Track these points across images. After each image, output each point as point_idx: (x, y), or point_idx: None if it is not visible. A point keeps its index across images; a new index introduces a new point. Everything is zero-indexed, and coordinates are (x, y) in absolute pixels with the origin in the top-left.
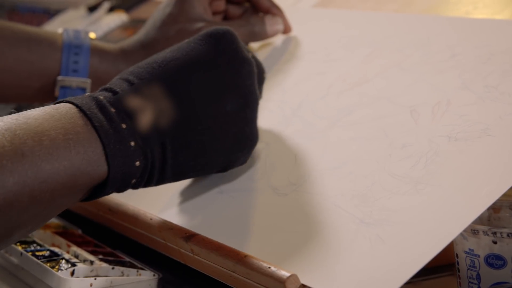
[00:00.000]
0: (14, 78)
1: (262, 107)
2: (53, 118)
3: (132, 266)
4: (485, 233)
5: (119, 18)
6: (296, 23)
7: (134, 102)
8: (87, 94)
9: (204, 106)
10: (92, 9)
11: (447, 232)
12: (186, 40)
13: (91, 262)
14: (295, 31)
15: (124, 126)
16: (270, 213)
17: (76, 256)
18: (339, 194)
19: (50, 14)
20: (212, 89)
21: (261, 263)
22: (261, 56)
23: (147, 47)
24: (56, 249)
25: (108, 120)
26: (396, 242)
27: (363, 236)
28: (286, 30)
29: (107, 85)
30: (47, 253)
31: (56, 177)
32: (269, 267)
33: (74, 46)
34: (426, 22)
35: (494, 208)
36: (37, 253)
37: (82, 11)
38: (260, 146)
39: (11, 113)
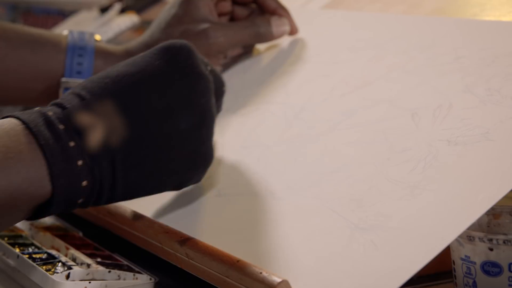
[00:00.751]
0: (19, 80)
1: (265, 110)
2: None
3: (129, 269)
4: (481, 239)
5: (130, 19)
6: (303, 24)
7: (84, 118)
8: (36, 108)
9: (157, 124)
10: (104, 10)
11: (441, 239)
12: (142, 54)
13: (88, 265)
14: (302, 33)
15: (72, 144)
16: (266, 217)
17: (74, 259)
18: (335, 199)
19: (64, 15)
20: (166, 106)
21: (253, 268)
22: (266, 57)
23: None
24: (53, 252)
25: (55, 138)
26: (390, 248)
27: (357, 242)
28: (293, 31)
29: (58, 100)
30: (44, 256)
31: None
32: (261, 272)
33: (78, 48)
34: (432, 24)
35: (494, 214)
36: (34, 256)
37: (95, 12)
38: (260, 149)
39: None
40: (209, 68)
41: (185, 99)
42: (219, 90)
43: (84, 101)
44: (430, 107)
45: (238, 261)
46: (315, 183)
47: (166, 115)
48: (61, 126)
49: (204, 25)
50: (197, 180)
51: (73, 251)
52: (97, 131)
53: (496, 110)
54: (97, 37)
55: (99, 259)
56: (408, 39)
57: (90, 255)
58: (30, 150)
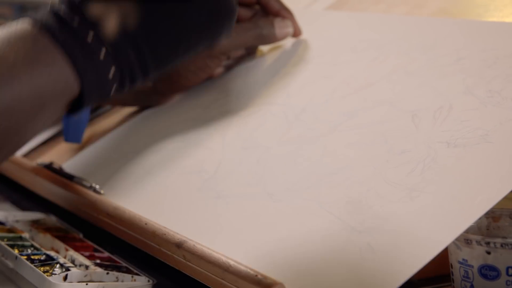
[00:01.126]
0: None
1: (266, 111)
2: (10, 41)
3: (127, 271)
4: (478, 243)
5: None
6: (306, 26)
7: (97, 9)
8: (47, 6)
9: None
10: None
11: (437, 242)
12: None
13: (86, 267)
14: (305, 34)
15: (90, 36)
16: (264, 220)
17: (73, 261)
18: (333, 201)
19: None
20: None
21: (249, 271)
22: (269, 58)
23: None
24: (52, 253)
25: (72, 34)
26: (386, 251)
27: (353, 245)
28: (296, 33)
29: None
30: (43, 257)
31: (19, 105)
32: (256, 275)
33: None
34: (435, 25)
35: (494, 217)
36: (32, 257)
37: None
38: (260, 151)
39: None
40: None
41: None
42: None
43: None
44: (431, 109)
45: (233, 264)
46: (313, 185)
47: None
48: (75, 22)
49: None
50: (228, 31)
51: (72, 253)
52: (111, 19)
53: (496, 111)
54: None
55: (98, 261)
56: (410, 40)
57: (89, 257)
58: (50, 50)
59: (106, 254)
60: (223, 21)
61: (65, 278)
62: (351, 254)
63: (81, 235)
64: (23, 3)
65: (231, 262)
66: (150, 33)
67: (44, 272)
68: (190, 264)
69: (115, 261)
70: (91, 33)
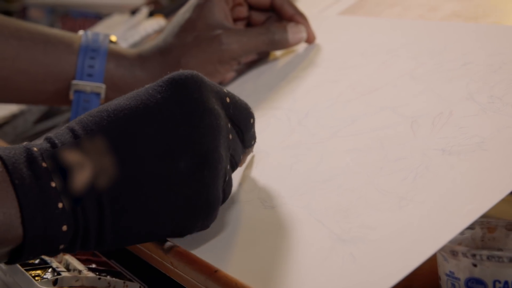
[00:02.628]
0: (29, 80)
1: (271, 115)
2: None
3: (120, 277)
4: (464, 255)
5: (157, 23)
6: (319, 30)
7: (71, 157)
8: (24, 143)
9: (152, 164)
10: (134, 13)
11: (418, 253)
12: (147, 86)
13: (80, 272)
14: (318, 38)
15: (53, 184)
16: (253, 227)
17: (67, 265)
18: (323, 208)
19: (101, 18)
20: (163, 145)
21: (229, 279)
22: (281, 62)
23: (164, 53)
24: (46, 258)
25: (34, 177)
26: (367, 261)
27: (336, 254)
28: (310, 38)
29: (52, 134)
30: (37, 261)
31: None
32: (236, 284)
33: (90, 50)
34: (446, 29)
35: (489, 227)
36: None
37: (126, 15)
38: (260, 156)
39: None
40: (227, 100)
41: (187, 137)
42: (245, 122)
43: (76, 138)
44: (431, 115)
45: (216, 271)
46: (306, 192)
47: (163, 154)
48: (44, 164)
49: (218, 31)
50: (203, 227)
51: (68, 257)
52: (85, 171)
53: (495, 118)
54: (113, 38)
55: (93, 265)
56: (420, 44)
57: (85, 261)
58: (2, 189)
59: (103, 259)
60: (200, 216)
61: (54, 283)
62: (333, 264)
63: None
64: (54, 6)
65: (214, 269)
66: (119, 201)
67: (35, 276)
68: (177, 270)
69: (111, 267)
70: (56, 181)
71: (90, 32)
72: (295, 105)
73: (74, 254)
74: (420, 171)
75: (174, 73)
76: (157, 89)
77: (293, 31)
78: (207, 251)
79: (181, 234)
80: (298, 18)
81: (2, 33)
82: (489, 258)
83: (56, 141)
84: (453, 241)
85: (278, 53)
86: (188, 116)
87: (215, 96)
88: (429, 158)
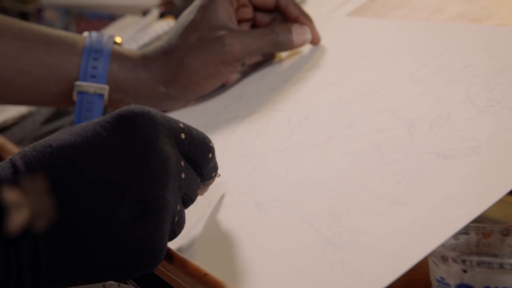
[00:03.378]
0: (32, 81)
1: (272, 117)
2: None
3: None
4: (454, 260)
5: (168, 24)
6: (325, 32)
7: (9, 196)
8: None
9: (93, 208)
10: (144, 15)
11: (407, 258)
12: (95, 120)
13: None
14: (323, 40)
15: None
16: (246, 230)
17: None
18: (316, 212)
19: (115, 19)
20: (106, 188)
21: (218, 283)
22: (285, 64)
23: (167, 54)
24: None
25: None
26: (356, 266)
27: (326, 259)
28: (315, 40)
29: None
30: None
31: None
32: (224, 287)
33: (94, 51)
34: (450, 31)
35: (484, 233)
36: None
37: (139, 17)
38: (257, 158)
39: None
40: (182, 136)
41: (131, 181)
42: (202, 157)
43: (16, 175)
44: (429, 118)
45: (205, 274)
46: (300, 195)
47: (105, 198)
48: None
49: (221, 32)
50: (145, 273)
51: None
52: (21, 212)
53: (492, 121)
54: (118, 39)
55: None
56: (423, 46)
57: None
58: None
59: None
60: (142, 265)
61: None
62: (322, 269)
63: None
64: (69, 7)
65: (204, 273)
66: (56, 245)
67: None
68: (169, 273)
69: None
70: None
71: (94, 33)
72: (296, 107)
73: None
74: (415, 174)
75: (124, 109)
76: (105, 125)
77: (298, 33)
78: (199, 254)
79: (121, 279)
80: (303, 19)
81: (4, 34)
82: (479, 264)
83: None
84: (447, 246)
85: (283, 54)
86: (133, 159)
87: (167, 135)
88: (424, 162)
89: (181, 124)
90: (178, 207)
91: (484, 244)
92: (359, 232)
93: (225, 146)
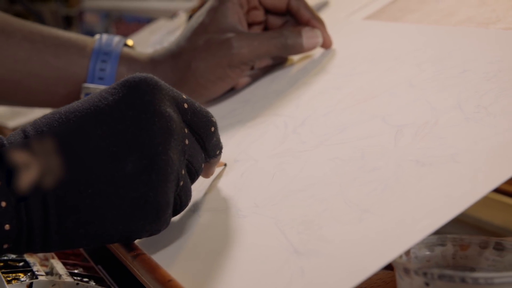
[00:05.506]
0: (41, 83)
1: (270, 122)
2: None
3: (101, 283)
4: (416, 273)
5: None
6: (338, 35)
7: (18, 157)
8: None
9: (99, 166)
10: (173, 18)
11: (363, 269)
12: (102, 89)
13: (60, 276)
14: (334, 44)
15: None
16: (221, 236)
17: (52, 269)
18: (290, 219)
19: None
20: (112, 146)
21: None
22: (295, 68)
23: (175, 56)
24: (31, 261)
25: None
26: (314, 276)
27: (288, 268)
28: (326, 44)
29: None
30: (20, 264)
31: None
32: None
33: (103, 53)
34: (456, 34)
35: (462, 245)
36: (10, 263)
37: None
38: (248, 164)
39: None
40: (185, 105)
41: (135, 139)
42: (205, 129)
43: (24, 140)
44: (417, 124)
45: (169, 280)
46: (280, 202)
47: (110, 156)
48: None
49: (229, 35)
50: (152, 231)
51: (54, 261)
52: (30, 171)
53: (476, 129)
54: (129, 42)
55: (77, 271)
56: (427, 50)
57: (72, 265)
58: None
59: (90, 264)
60: (148, 219)
61: (29, 286)
62: (282, 278)
63: None
64: (109, 11)
65: (168, 279)
66: (64, 201)
67: (14, 278)
68: (143, 277)
69: (96, 272)
70: (2, 179)
71: (105, 36)
72: (296, 112)
73: (67, 257)
74: (390, 183)
75: (130, 76)
76: (111, 91)
77: (308, 36)
78: (171, 259)
79: (130, 238)
80: (314, 22)
81: (14, 36)
82: (440, 277)
83: (5, 142)
84: (420, 258)
85: (295, 58)
86: (137, 118)
87: (170, 100)
88: (402, 169)
89: (184, 96)
90: (183, 171)
91: (461, 256)
92: (325, 240)
93: (224, 150)
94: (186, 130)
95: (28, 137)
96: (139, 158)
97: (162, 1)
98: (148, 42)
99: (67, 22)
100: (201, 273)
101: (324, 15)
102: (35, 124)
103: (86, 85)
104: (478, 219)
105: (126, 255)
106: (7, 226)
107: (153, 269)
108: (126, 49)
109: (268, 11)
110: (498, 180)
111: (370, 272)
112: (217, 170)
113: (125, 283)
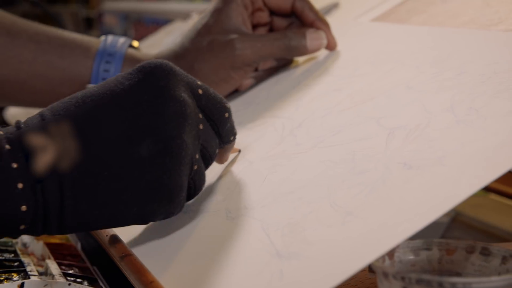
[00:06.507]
0: (46, 84)
1: (269, 124)
2: None
3: (94, 284)
4: (394, 277)
5: None
6: (344, 37)
7: (35, 140)
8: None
9: (115, 149)
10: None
11: (342, 271)
12: (118, 74)
13: (53, 277)
14: (339, 45)
15: (15, 165)
16: (208, 238)
17: (47, 269)
18: (276, 221)
19: None
20: (126, 130)
21: None
22: (300, 70)
23: (179, 57)
24: (26, 260)
25: None
26: (293, 279)
27: (269, 270)
28: (330, 45)
29: (24, 120)
30: (15, 264)
31: None
32: None
33: (107, 54)
34: (457, 36)
35: (448, 249)
36: (5, 262)
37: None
38: (243, 165)
39: None
40: (200, 91)
41: (150, 123)
42: (219, 115)
43: (42, 122)
44: (409, 127)
45: (151, 282)
46: (268, 204)
47: (125, 140)
48: (7, 146)
49: (232, 36)
50: (167, 214)
51: (49, 261)
52: (47, 153)
53: (465, 131)
54: (135, 43)
55: (71, 271)
56: (428, 52)
57: (68, 266)
58: None
59: (86, 265)
60: (162, 202)
61: (21, 287)
62: (262, 281)
63: (78, 245)
64: (128, 12)
65: (151, 280)
66: (80, 183)
67: (7, 278)
68: (129, 278)
69: (90, 274)
70: (17, 162)
71: (110, 37)
72: (295, 114)
73: (64, 258)
74: (377, 185)
75: (146, 61)
76: (126, 76)
77: (312, 37)
78: (157, 261)
79: (145, 220)
80: (319, 24)
81: (20, 36)
82: (418, 282)
83: (22, 125)
84: (405, 262)
85: (300, 59)
86: (152, 103)
87: (185, 86)
88: (390, 172)
89: (199, 82)
90: (197, 156)
91: (447, 261)
92: (307, 243)
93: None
94: (200, 116)
95: (45, 120)
96: (154, 142)
97: (180, 3)
98: (162, 43)
99: (88, 24)
100: (184, 275)
101: (334, 17)
102: (52, 108)
103: (90, 85)
104: (487, 224)
105: (115, 255)
106: (23, 207)
107: (137, 270)
108: (130, 50)
109: (273, 12)
110: (481, 183)
111: (346, 275)
112: (231, 156)
113: (118, 284)
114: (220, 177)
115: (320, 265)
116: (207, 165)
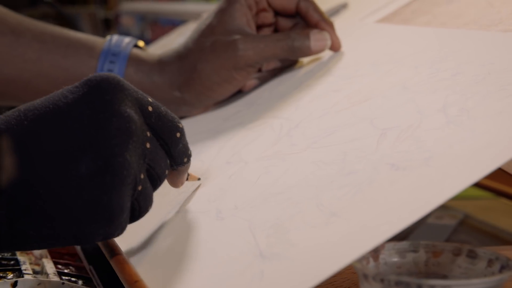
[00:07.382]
0: (50, 83)
1: (267, 124)
2: None
3: (88, 283)
4: (374, 279)
5: None
6: (349, 38)
7: None
8: None
9: (53, 166)
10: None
11: (321, 271)
12: (65, 87)
13: (47, 275)
14: (343, 46)
15: None
16: (196, 238)
17: (43, 268)
18: (263, 222)
19: None
20: (67, 146)
21: None
22: (303, 70)
23: (182, 58)
24: (22, 259)
25: None
26: (272, 279)
27: (250, 271)
28: (334, 46)
29: None
30: (11, 262)
31: None
32: None
33: (111, 54)
34: (456, 37)
35: (435, 252)
36: (2, 261)
37: None
38: (239, 166)
39: None
40: (150, 108)
41: (90, 139)
42: (169, 134)
43: None
44: (401, 127)
45: (136, 281)
46: (258, 204)
47: (65, 156)
48: None
49: (235, 36)
50: (106, 235)
51: (46, 260)
52: None
53: (454, 132)
54: (140, 43)
55: (67, 270)
56: (427, 53)
57: (64, 265)
58: None
59: (82, 264)
60: (101, 223)
61: (14, 285)
62: (242, 281)
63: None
64: (145, 14)
65: (135, 280)
66: (15, 202)
67: (1, 276)
68: (119, 276)
69: (86, 273)
70: None
71: (115, 36)
72: (294, 114)
73: (61, 257)
74: (363, 187)
75: (92, 75)
76: (72, 89)
77: (316, 38)
78: (145, 260)
79: (83, 241)
80: (323, 24)
81: (25, 35)
82: (397, 284)
83: None
84: (390, 265)
85: (304, 60)
86: (95, 118)
87: (133, 101)
88: (377, 173)
89: (150, 99)
90: (142, 176)
91: (434, 263)
92: (290, 244)
93: (218, 153)
94: (148, 134)
95: None
96: (93, 159)
97: (197, 4)
98: (173, 44)
99: (106, 25)
100: (167, 276)
101: (341, 18)
102: None
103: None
104: (496, 227)
105: (106, 254)
106: None
107: (124, 269)
108: (135, 50)
109: (277, 13)
110: (463, 184)
111: (323, 276)
112: (190, 185)
113: (112, 284)
114: (215, 177)
115: (299, 266)
116: (155, 186)
